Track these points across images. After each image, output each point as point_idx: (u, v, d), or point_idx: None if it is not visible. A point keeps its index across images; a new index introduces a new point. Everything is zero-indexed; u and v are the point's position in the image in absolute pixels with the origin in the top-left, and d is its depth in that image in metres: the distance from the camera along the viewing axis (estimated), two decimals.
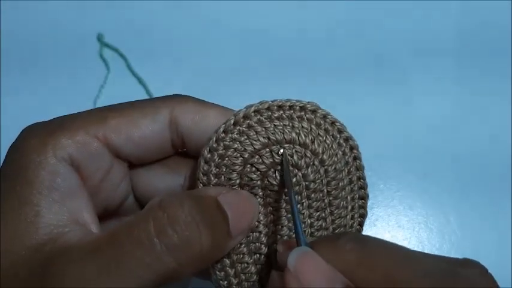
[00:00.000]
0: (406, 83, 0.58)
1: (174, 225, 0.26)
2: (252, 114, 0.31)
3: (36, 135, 0.29)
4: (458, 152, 0.55)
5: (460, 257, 0.26)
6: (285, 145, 0.30)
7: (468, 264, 0.25)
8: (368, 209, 0.34)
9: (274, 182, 0.31)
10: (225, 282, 0.32)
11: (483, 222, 0.53)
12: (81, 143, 0.29)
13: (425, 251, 0.49)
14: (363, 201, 0.34)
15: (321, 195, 0.31)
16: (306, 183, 0.31)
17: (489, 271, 0.25)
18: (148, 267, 0.26)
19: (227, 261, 0.31)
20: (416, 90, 0.58)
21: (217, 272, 0.31)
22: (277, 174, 0.31)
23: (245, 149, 0.30)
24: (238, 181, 0.30)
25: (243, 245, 0.31)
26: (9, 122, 0.55)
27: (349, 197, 0.33)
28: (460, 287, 0.23)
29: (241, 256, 0.31)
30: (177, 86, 0.57)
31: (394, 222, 0.53)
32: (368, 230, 0.52)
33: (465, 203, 0.53)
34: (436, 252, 0.52)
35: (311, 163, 0.30)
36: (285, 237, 0.32)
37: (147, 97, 0.57)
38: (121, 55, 0.59)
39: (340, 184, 0.32)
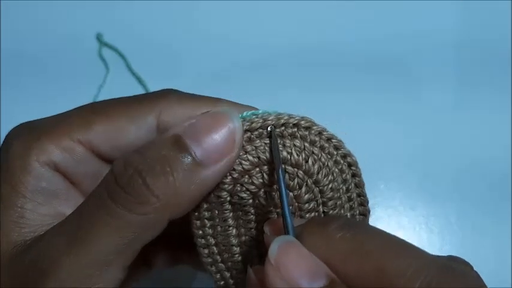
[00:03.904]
0: (406, 84, 0.58)
1: (118, 181, 0.26)
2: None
3: (21, 141, 0.29)
4: (459, 152, 0.55)
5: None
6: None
7: (458, 260, 0.24)
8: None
9: (265, 203, 0.29)
10: (222, 282, 0.32)
11: (484, 223, 0.52)
12: (65, 149, 0.29)
13: None
14: (364, 217, 0.32)
15: (316, 214, 0.30)
16: (300, 204, 0.29)
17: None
18: (110, 226, 0.26)
19: (222, 265, 0.31)
20: (417, 90, 0.58)
21: (214, 274, 0.32)
22: (267, 195, 0.29)
23: (234, 168, 0.28)
24: (228, 199, 0.29)
25: (238, 255, 0.31)
26: (9, 121, 0.55)
27: (348, 214, 0.31)
28: (457, 281, 0.22)
29: (236, 264, 0.31)
30: (176, 86, 0.56)
31: (395, 222, 0.53)
32: None
33: (466, 203, 0.53)
34: (437, 253, 0.52)
35: (304, 184, 0.29)
36: None
37: None
38: (120, 55, 0.59)
39: (338, 203, 0.30)
